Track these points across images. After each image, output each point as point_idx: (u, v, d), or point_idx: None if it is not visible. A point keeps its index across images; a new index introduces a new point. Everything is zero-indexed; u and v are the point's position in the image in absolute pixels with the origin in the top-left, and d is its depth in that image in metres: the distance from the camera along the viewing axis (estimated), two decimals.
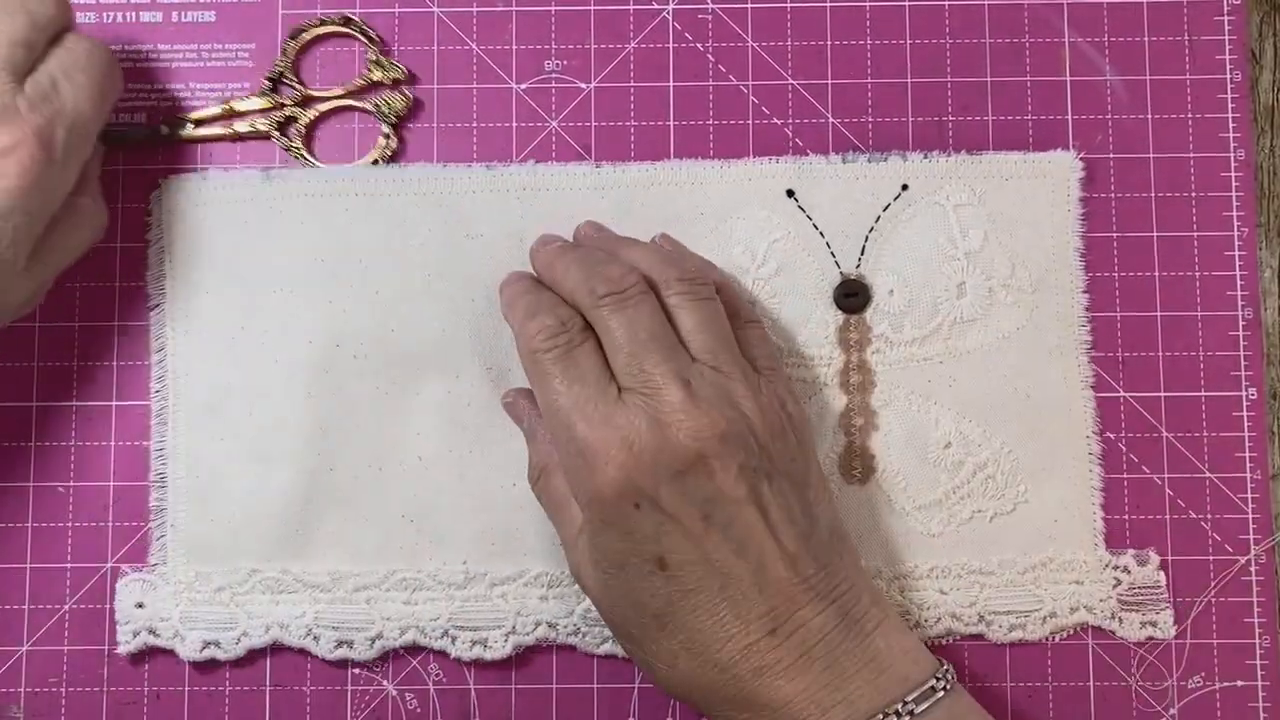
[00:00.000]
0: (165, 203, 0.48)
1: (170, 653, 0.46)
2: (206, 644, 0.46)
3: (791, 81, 0.49)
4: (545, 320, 0.41)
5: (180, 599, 0.47)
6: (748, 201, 0.48)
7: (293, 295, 0.47)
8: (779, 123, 0.49)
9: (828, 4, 0.49)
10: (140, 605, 0.47)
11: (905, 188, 0.48)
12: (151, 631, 0.46)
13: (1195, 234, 0.48)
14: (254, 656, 0.47)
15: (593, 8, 0.50)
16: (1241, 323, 0.48)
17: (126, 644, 0.46)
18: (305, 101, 0.49)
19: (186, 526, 0.47)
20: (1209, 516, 0.47)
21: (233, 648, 0.46)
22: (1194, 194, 0.48)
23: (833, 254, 0.48)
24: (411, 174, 0.48)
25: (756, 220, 0.48)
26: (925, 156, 0.48)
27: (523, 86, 0.49)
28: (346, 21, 0.49)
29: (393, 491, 0.47)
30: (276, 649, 0.47)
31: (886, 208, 0.48)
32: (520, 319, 0.42)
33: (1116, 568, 0.47)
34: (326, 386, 0.47)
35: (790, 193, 0.48)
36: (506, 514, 0.47)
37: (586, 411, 0.39)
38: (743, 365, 0.41)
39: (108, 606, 0.47)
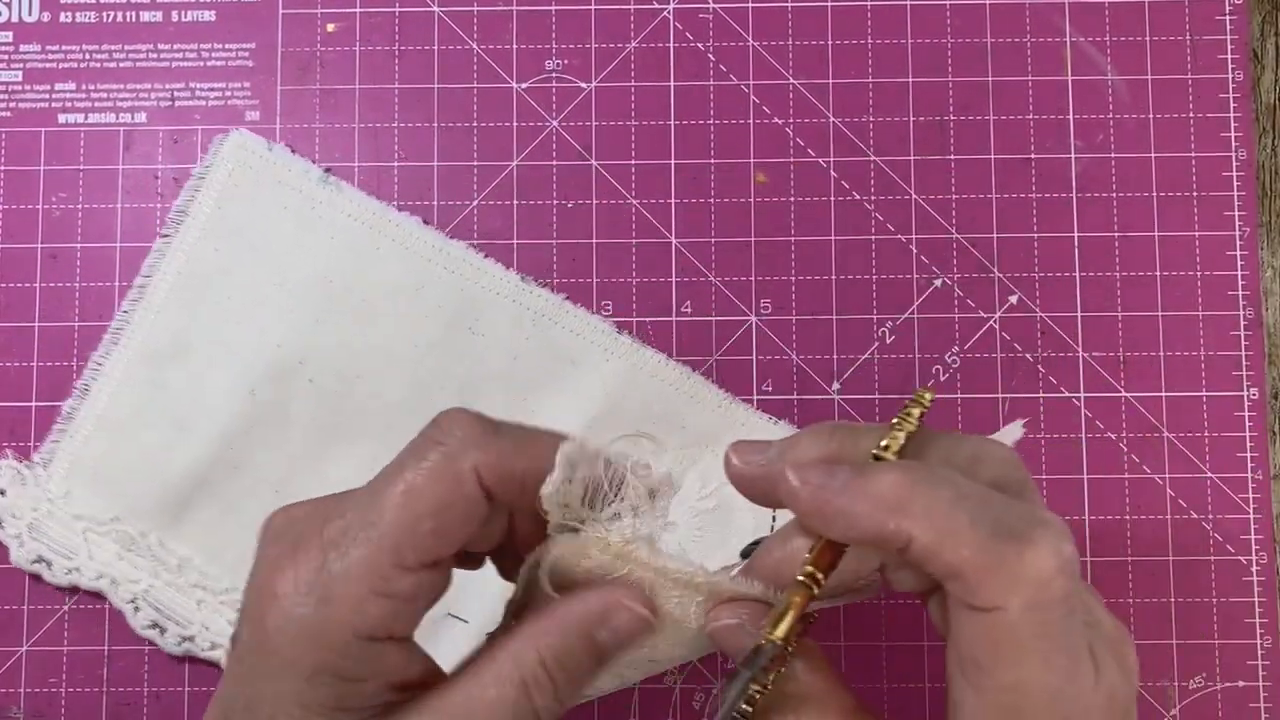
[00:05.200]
0: (224, 152, 0.48)
1: (169, 655, 0.46)
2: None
3: (792, 81, 0.49)
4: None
5: (42, 505, 0.46)
6: (723, 438, 0.46)
7: (289, 296, 0.47)
8: (780, 122, 0.49)
9: (829, 3, 0.49)
10: (1, 493, 0.47)
11: None
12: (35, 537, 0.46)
13: (1196, 234, 0.48)
14: None
15: (593, 7, 0.49)
16: (1243, 322, 0.48)
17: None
18: None
19: (83, 444, 0.47)
20: (1209, 516, 0.47)
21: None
22: (1195, 193, 0.48)
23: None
24: (451, 249, 0.47)
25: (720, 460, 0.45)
26: None
27: (523, 86, 0.49)
28: None
29: None
30: None
31: None
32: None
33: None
34: (271, 394, 0.46)
35: None
36: None
37: None
38: None
39: (107, 606, 0.47)
